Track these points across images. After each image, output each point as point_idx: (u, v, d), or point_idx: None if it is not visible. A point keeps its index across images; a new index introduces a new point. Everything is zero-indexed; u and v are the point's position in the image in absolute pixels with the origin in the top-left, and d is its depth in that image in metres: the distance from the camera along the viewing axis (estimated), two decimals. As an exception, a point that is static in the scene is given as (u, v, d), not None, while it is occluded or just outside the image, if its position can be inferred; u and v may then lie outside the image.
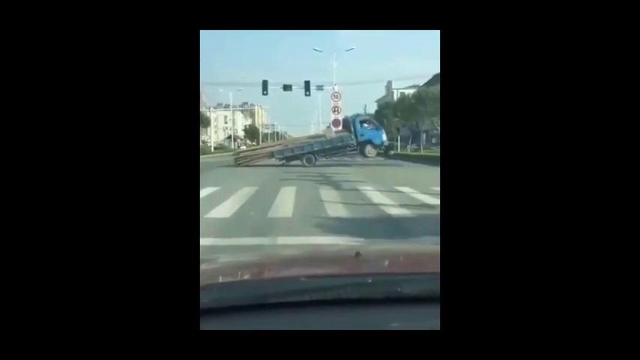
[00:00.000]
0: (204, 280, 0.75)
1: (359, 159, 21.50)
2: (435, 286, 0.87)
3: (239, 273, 1.12)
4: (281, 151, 22.18)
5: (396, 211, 7.08)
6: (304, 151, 21.44)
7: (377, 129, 22.27)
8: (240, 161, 23.53)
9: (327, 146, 21.57)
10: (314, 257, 1.46)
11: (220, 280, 0.99)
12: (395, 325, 0.74)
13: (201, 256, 0.74)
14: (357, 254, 1.12)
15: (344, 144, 21.52)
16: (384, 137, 22.71)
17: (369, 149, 21.27)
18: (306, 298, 0.81)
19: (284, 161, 21.55)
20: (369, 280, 0.91)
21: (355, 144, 21.34)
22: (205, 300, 0.72)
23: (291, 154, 21.69)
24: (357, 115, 26.54)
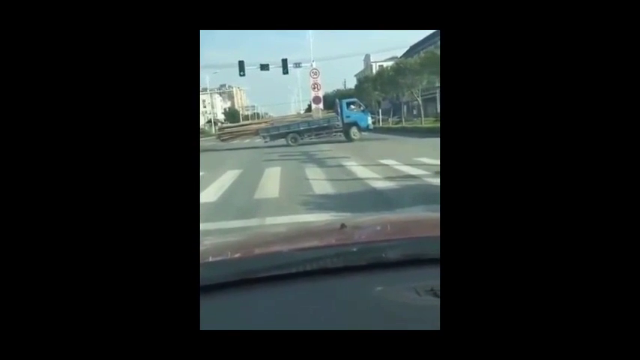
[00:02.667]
0: None
1: (342, 136, 21.51)
2: (416, 250, 0.88)
3: (225, 252, 1.13)
4: (267, 129, 22.19)
5: (381, 184, 7.14)
6: (290, 130, 21.47)
7: (363, 112, 22.22)
8: (224, 137, 23.98)
9: (313, 126, 21.67)
10: (300, 232, 1.47)
11: (208, 259, 0.99)
12: (379, 290, 0.76)
13: None
14: (342, 226, 1.13)
15: (330, 125, 21.58)
16: (370, 120, 22.64)
17: (353, 131, 21.24)
18: (293, 270, 0.82)
19: (268, 139, 21.55)
20: (354, 249, 0.93)
21: (341, 125, 21.39)
22: None
23: (277, 132, 21.69)
24: (344, 97, 26.21)
